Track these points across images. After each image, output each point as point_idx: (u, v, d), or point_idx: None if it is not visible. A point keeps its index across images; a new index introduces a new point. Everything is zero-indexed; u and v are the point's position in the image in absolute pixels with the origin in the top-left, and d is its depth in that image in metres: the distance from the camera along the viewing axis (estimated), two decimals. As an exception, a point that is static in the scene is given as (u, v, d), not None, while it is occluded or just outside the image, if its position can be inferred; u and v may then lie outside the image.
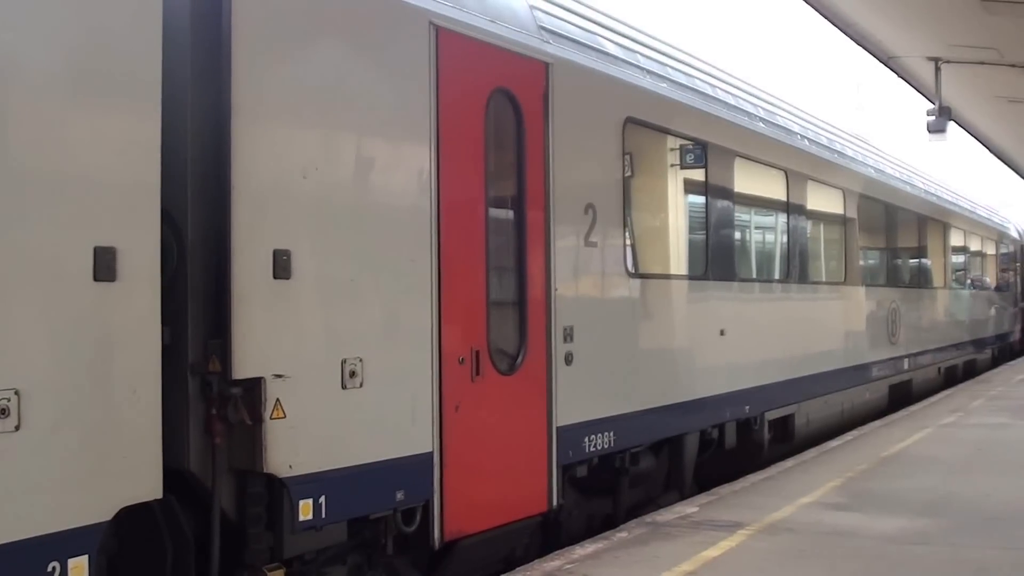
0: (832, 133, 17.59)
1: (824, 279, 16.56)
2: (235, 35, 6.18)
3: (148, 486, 5.55)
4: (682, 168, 11.56)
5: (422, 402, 7.44)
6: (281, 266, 6.36)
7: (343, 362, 6.78)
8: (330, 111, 6.84)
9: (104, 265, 5.29)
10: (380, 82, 7.25)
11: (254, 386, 6.22)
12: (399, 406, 7.27)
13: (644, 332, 10.47)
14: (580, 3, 10.50)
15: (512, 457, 8.41)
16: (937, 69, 19.31)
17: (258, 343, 6.24)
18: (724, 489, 11.40)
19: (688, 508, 10.38)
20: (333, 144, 6.88)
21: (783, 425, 14.07)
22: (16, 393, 4.88)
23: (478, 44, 8.14)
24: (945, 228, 24.90)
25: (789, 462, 13.25)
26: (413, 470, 7.34)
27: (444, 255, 7.63)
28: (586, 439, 9.22)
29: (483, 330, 8.08)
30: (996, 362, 31.07)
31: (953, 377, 25.39)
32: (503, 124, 8.51)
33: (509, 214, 8.64)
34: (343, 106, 6.94)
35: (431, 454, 7.47)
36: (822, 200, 16.10)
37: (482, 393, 8.00)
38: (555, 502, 8.79)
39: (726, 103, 12.80)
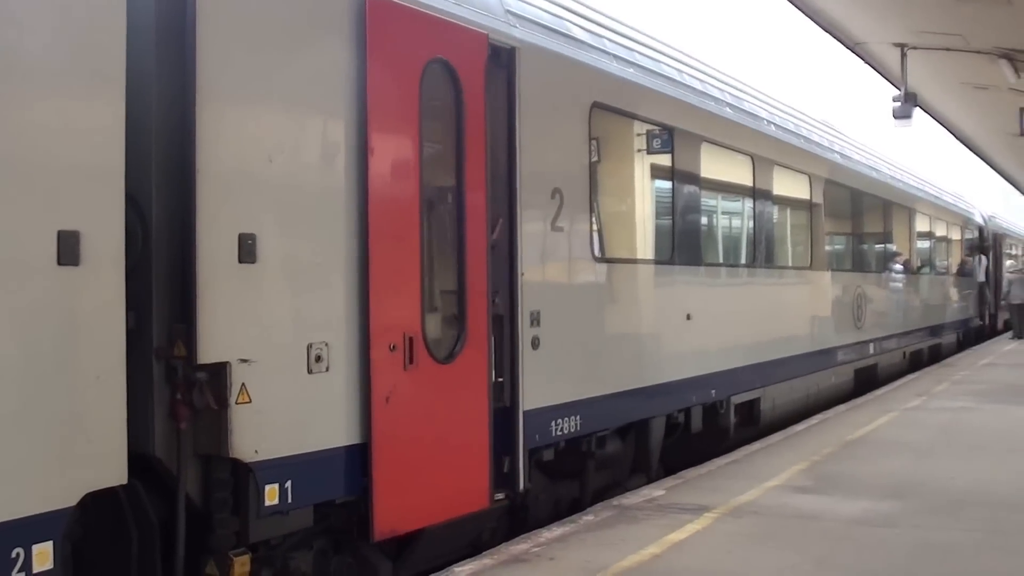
0: (799, 119, 17.66)
1: (790, 264, 16.64)
2: (200, 17, 6.13)
3: (113, 471, 5.52)
4: (649, 153, 11.59)
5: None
6: (242, 250, 6.34)
7: (309, 346, 6.76)
8: (279, 89, 6.69)
9: (68, 249, 5.25)
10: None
11: (219, 371, 6.19)
12: (350, 392, 7.11)
13: (610, 316, 10.50)
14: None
15: (451, 450, 8.02)
16: (903, 55, 19.43)
17: (223, 328, 6.22)
18: (690, 472, 11.46)
19: (655, 491, 10.43)
20: (287, 125, 6.74)
21: (749, 409, 14.13)
22: (-22, 378, 4.85)
23: (423, 19, 7.86)
24: (911, 214, 25.08)
25: (755, 446, 13.34)
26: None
27: (373, 236, 7.20)
28: (553, 423, 9.24)
29: (417, 316, 7.65)
30: (961, 346, 31.31)
31: (918, 361, 25.58)
32: (450, 103, 8.18)
33: (452, 196, 8.25)
34: (289, 83, 6.77)
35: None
36: (788, 185, 16.15)
37: (417, 382, 7.59)
38: (521, 486, 8.74)
39: (693, 88, 12.82)
